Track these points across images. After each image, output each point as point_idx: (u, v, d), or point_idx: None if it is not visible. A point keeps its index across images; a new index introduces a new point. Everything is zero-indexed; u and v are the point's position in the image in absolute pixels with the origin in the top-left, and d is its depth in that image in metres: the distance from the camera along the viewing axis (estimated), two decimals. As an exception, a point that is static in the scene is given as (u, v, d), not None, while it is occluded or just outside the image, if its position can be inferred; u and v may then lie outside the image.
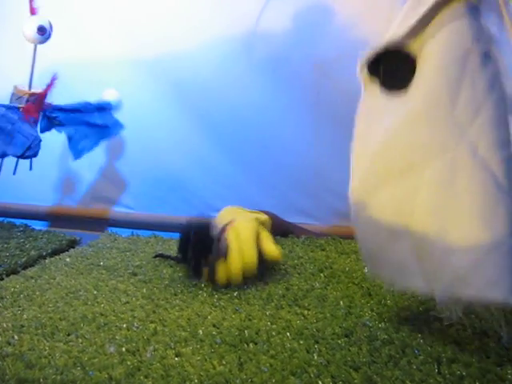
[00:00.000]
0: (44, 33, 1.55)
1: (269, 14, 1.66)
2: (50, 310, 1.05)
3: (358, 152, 0.87)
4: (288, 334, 0.91)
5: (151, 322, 0.98)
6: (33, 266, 1.33)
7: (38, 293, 1.13)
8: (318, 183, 1.65)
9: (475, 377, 0.75)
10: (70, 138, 1.68)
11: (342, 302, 1.04)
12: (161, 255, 1.37)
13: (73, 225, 1.85)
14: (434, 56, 0.76)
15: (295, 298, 1.07)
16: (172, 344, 0.89)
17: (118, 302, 1.08)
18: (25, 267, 1.32)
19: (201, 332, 0.93)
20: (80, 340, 0.92)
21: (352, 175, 0.88)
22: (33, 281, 1.21)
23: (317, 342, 0.88)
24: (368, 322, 0.95)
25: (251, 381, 0.77)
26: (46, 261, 1.36)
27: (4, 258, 1.34)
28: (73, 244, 1.56)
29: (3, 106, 1.58)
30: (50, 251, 1.44)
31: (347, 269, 1.24)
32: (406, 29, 0.78)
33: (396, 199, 0.81)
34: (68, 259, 1.37)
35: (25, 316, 1.01)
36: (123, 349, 0.88)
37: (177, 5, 1.73)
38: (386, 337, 0.89)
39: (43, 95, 1.61)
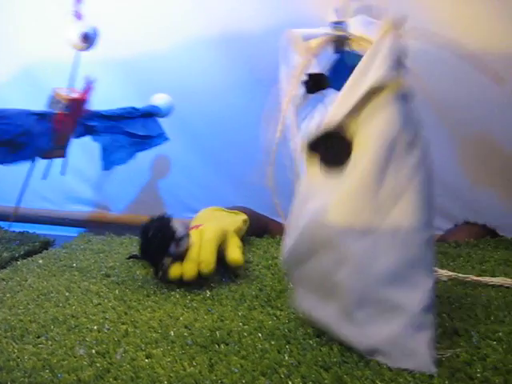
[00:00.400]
0: (87, 41, 1.46)
1: (247, 15, 1.66)
2: (21, 312, 1.04)
3: (291, 225, 0.92)
4: (260, 334, 0.91)
5: (122, 324, 0.97)
6: (4, 267, 1.32)
7: (8, 295, 1.12)
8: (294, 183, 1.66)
9: (445, 376, 0.76)
10: (104, 149, 1.58)
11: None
12: (135, 256, 1.36)
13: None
14: (366, 141, 0.81)
15: (268, 298, 1.07)
16: (143, 345, 0.88)
17: (90, 304, 1.07)
18: (-4, 269, 1.31)
19: (172, 333, 0.92)
20: (50, 342, 0.91)
21: (284, 247, 0.94)
22: (4, 283, 1.20)
23: (288, 343, 0.88)
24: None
25: (221, 382, 0.77)
26: (19, 262, 1.35)
27: (-25, 261, 1.33)
28: (46, 245, 1.55)
29: (37, 113, 1.46)
30: (22, 253, 1.43)
31: (321, 269, 1.24)
32: (343, 111, 0.82)
33: (321, 271, 0.86)
34: (41, 261, 1.36)
35: (-6, 319, 1.00)
36: (93, 351, 0.87)
37: (152, 3, 1.72)
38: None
39: (80, 101, 1.50)
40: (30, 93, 1.91)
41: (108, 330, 0.95)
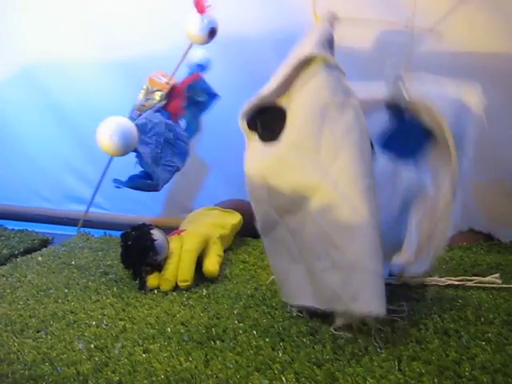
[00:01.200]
0: (214, 36, 1.43)
1: (247, 18, 1.68)
2: (20, 307, 1.06)
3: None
4: (254, 332, 0.93)
5: (120, 320, 0.99)
6: (4, 264, 1.34)
7: (8, 291, 1.14)
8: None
9: (434, 374, 0.78)
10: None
11: (308, 302, 1.06)
12: None
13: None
14: (299, 109, 0.88)
15: (263, 297, 1.09)
16: (140, 341, 0.90)
17: (89, 300, 1.09)
18: (-4, 266, 1.32)
19: (169, 330, 0.94)
20: (49, 337, 0.93)
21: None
22: (4, 279, 1.22)
23: (282, 340, 0.90)
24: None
25: (216, 376, 0.79)
26: (18, 259, 1.37)
27: (-25, 258, 1.35)
28: (45, 243, 1.56)
29: (155, 110, 1.44)
30: (22, 250, 1.45)
31: (316, 270, 1.26)
32: (276, 85, 0.89)
33: (290, 232, 0.93)
34: (40, 258, 1.37)
35: (-5, 313, 1.02)
36: (92, 345, 0.89)
37: (152, 4, 1.73)
38: (350, 335, 0.91)
39: (182, 88, 1.48)
40: (30, 92, 1.93)
41: (106, 325, 0.97)
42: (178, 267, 1.17)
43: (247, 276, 1.22)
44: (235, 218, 1.47)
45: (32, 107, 1.96)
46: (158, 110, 1.44)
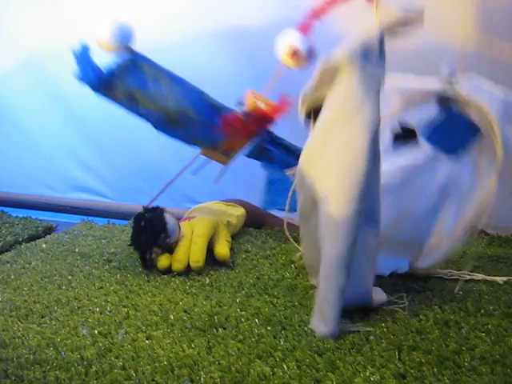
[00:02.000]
0: (300, 58, 1.32)
1: (250, 10, 1.69)
2: (25, 293, 1.07)
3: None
4: (256, 320, 0.94)
5: (124, 307, 1.00)
6: (9, 251, 1.35)
7: (13, 277, 1.15)
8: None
9: (434, 363, 0.79)
10: (270, 183, 1.45)
11: (311, 292, 1.07)
12: None
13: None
14: (323, 108, 0.93)
15: (265, 286, 1.10)
16: (143, 328, 0.91)
17: (92, 287, 1.10)
18: (0, 252, 1.33)
19: (172, 317, 0.95)
20: (53, 322, 0.94)
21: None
22: (8, 265, 1.23)
23: (284, 329, 0.91)
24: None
25: (218, 363, 0.80)
26: (22, 246, 1.38)
27: (-21, 244, 1.36)
28: (49, 231, 1.58)
29: (213, 102, 1.39)
30: (26, 237, 1.46)
31: (318, 260, 1.28)
32: (312, 83, 0.95)
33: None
34: (44, 245, 1.38)
35: (-1, 299, 1.03)
36: (95, 331, 0.90)
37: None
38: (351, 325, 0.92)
39: (264, 116, 1.35)
40: (33, 81, 1.93)
41: (110, 312, 0.98)
42: (190, 250, 1.19)
43: (249, 265, 1.23)
44: (239, 211, 1.50)
45: (36, 96, 1.97)
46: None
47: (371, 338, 0.87)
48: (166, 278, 1.15)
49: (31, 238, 1.47)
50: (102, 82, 1.30)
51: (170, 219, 1.18)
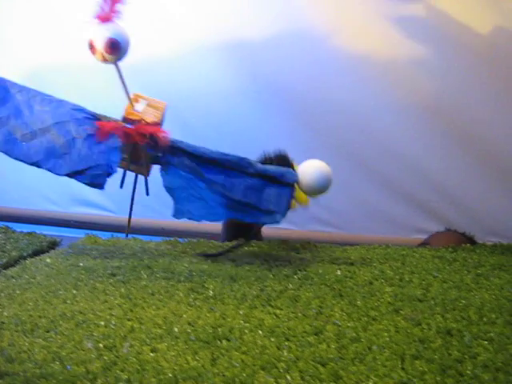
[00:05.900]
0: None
1: (250, 22, 1.70)
2: (30, 308, 1.07)
3: None
4: (260, 331, 0.94)
5: (128, 320, 1.01)
6: (14, 266, 1.36)
7: (18, 292, 1.16)
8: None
9: (437, 372, 0.79)
10: (174, 193, 1.39)
11: (313, 303, 1.08)
12: (206, 255, 1.46)
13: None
14: None
15: (269, 298, 1.11)
16: (148, 340, 0.92)
17: (97, 301, 1.11)
18: (6, 267, 1.34)
19: (176, 329, 0.96)
20: (59, 336, 0.94)
21: None
22: (13, 280, 1.23)
23: (287, 340, 0.91)
24: (337, 321, 0.99)
25: (223, 375, 0.80)
26: (27, 261, 1.39)
27: (-15, 259, 1.37)
28: (53, 245, 1.59)
29: (82, 111, 1.40)
30: (30, 252, 1.47)
31: (320, 271, 1.29)
32: None
33: None
34: (48, 260, 1.39)
35: (5, 313, 1.03)
36: (101, 345, 0.91)
37: (156, 10, 1.75)
38: (354, 335, 0.93)
39: (150, 131, 1.35)
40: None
41: (114, 325, 0.98)
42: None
43: (252, 277, 1.24)
44: None
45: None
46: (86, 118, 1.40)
47: (374, 347, 0.88)
48: (169, 291, 1.16)
49: (36, 253, 1.47)
50: None
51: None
